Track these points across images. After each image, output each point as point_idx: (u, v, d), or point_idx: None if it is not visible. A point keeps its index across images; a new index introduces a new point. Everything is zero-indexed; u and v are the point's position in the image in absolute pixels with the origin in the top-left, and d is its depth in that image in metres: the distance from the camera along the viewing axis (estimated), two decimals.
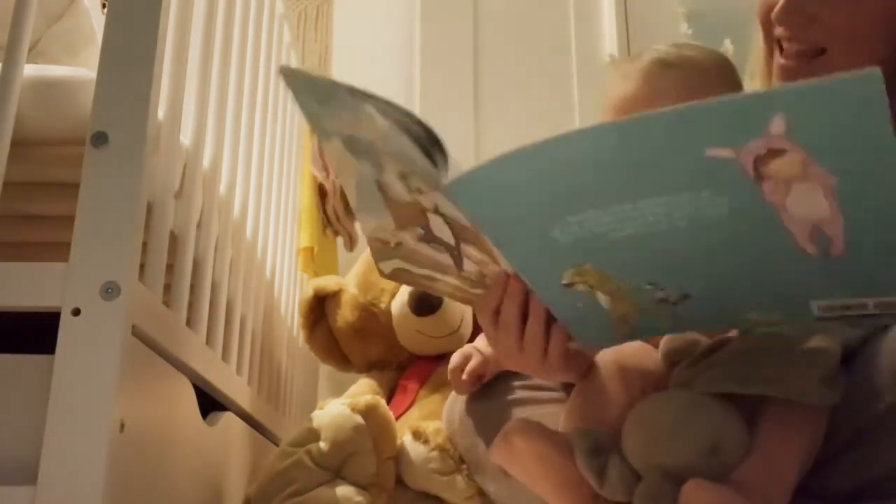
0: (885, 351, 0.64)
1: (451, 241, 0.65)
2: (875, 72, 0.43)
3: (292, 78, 0.59)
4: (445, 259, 0.67)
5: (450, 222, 0.62)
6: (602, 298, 0.61)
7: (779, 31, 0.84)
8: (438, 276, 0.69)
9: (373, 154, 0.62)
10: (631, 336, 0.67)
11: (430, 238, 0.66)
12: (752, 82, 0.93)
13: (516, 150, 0.51)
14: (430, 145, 0.57)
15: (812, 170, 0.48)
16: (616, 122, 0.50)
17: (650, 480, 0.61)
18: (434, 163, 0.57)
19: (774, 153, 0.47)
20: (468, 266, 0.66)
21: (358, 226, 1.76)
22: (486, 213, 0.56)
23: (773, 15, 0.83)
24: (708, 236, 0.54)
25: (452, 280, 0.69)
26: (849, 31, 0.81)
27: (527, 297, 0.65)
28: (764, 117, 0.46)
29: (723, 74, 0.85)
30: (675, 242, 0.55)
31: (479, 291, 0.68)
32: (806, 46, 0.83)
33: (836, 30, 0.81)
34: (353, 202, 0.69)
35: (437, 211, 0.62)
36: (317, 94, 0.60)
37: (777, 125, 0.46)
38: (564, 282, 0.60)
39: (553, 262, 0.59)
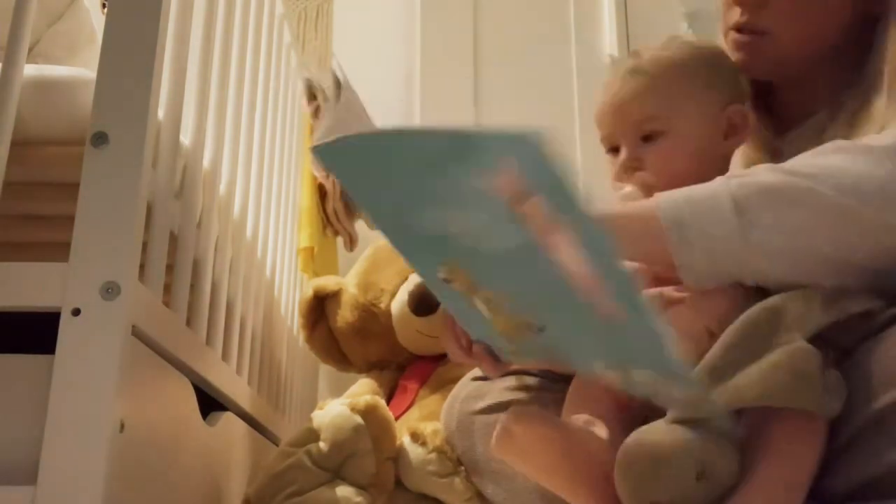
0: (883, 351, 0.64)
1: None
2: (535, 134, 0.42)
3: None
4: None
5: None
6: (480, 307, 0.61)
7: (735, 13, 0.87)
8: None
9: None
10: (517, 356, 0.67)
11: None
12: None
13: (357, 135, 0.52)
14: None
15: (553, 221, 0.47)
16: (383, 133, 0.51)
17: None
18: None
19: (523, 195, 0.46)
20: None
21: (358, 226, 1.76)
22: (352, 185, 0.56)
23: None
24: (522, 265, 0.53)
25: None
26: (796, 15, 0.84)
27: None
28: (495, 156, 0.45)
29: (699, 69, 0.85)
30: (506, 263, 0.54)
31: None
32: (755, 28, 0.87)
33: (785, 14, 0.85)
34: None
35: None
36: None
37: (509, 164, 0.45)
38: (441, 276, 0.59)
39: (426, 248, 0.58)
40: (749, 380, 0.61)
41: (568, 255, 0.49)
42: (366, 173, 0.53)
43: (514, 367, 0.83)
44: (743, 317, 0.66)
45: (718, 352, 0.64)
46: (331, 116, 0.59)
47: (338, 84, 0.56)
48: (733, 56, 0.89)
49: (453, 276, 0.58)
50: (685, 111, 0.83)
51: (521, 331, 0.61)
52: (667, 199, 0.70)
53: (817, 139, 0.87)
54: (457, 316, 0.66)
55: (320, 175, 1.65)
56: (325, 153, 0.54)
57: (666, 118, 0.82)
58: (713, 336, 0.68)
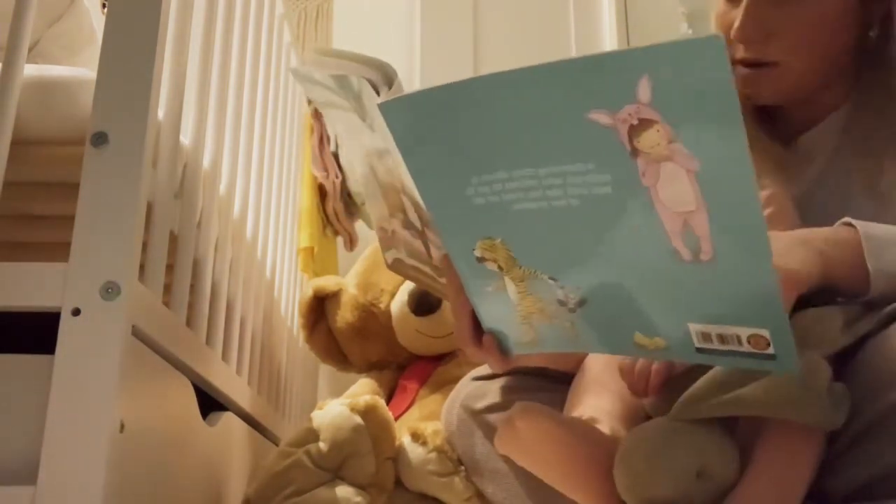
0: (885, 350, 0.64)
1: (419, 226, 0.65)
2: (718, 37, 0.42)
3: (299, 73, 0.59)
4: (419, 246, 0.67)
5: (415, 204, 0.62)
6: (510, 288, 0.61)
7: (738, 49, 0.85)
8: (420, 265, 0.69)
9: (358, 134, 0.62)
10: (534, 346, 0.67)
11: (407, 224, 0.66)
12: None
13: (443, 86, 0.50)
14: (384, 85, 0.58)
15: (676, 148, 0.47)
16: (507, 73, 0.49)
17: None
18: (378, 93, 0.57)
19: (645, 123, 0.46)
20: (435, 252, 0.66)
21: (358, 226, 1.76)
22: (411, 148, 0.55)
23: (733, 34, 0.83)
24: (598, 221, 0.53)
25: (428, 269, 0.69)
26: (804, 43, 0.82)
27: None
28: (631, 79, 0.45)
29: None
30: (572, 226, 0.53)
31: (444, 280, 0.69)
32: (762, 61, 0.84)
33: (793, 44, 0.82)
34: (363, 189, 0.70)
35: (404, 191, 0.62)
36: (316, 88, 0.61)
37: (643, 90, 0.45)
38: (476, 254, 0.59)
39: (467, 227, 0.58)
40: (755, 390, 0.61)
41: (675, 189, 0.48)
42: (428, 133, 0.52)
43: (519, 364, 0.82)
44: None
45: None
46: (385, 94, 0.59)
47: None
48: (741, 89, 0.85)
49: (491, 252, 0.58)
50: None
51: (548, 314, 0.61)
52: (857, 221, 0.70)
53: (829, 143, 0.87)
54: (478, 301, 0.66)
55: (320, 175, 1.66)
56: (395, 108, 0.52)
57: None
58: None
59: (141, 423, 0.74)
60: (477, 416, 0.89)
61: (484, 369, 0.94)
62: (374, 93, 0.57)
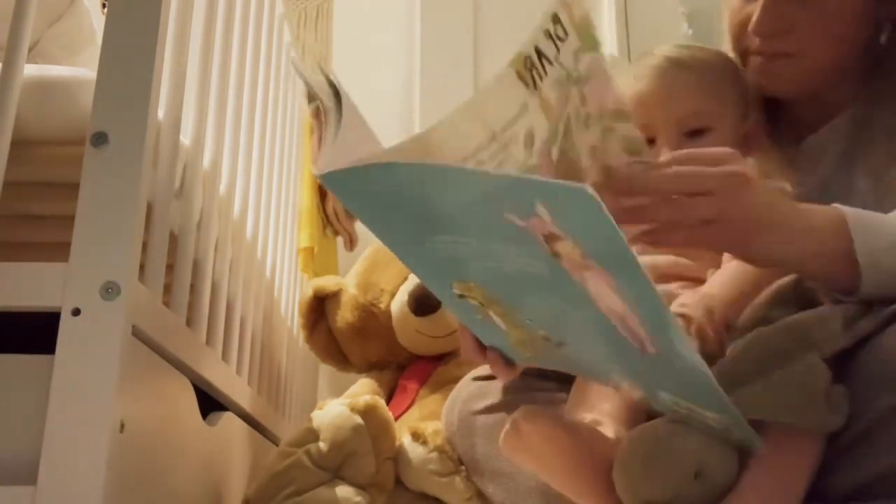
0: (885, 351, 0.64)
1: None
2: (584, 190, 0.41)
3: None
4: None
5: None
6: (496, 319, 0.60)
7: (754, 41, 0.85)
8: None
9: None
10: (535, 361, 0.67)
11: None
12: None
13: (371, 166, 0.49)
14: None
15: (589, 263, 0.47)
16: (427, 166, 0.48)
17: None
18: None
19: (555, 236, 0.46)
20: None
21: (358, 226, 1.76)
22: (361, 212, 0.54)
23: (751, 28, 0.83)
24: (551, 292, 0.52)
25: None
26: (821, 35, 0.82)
27: None
28: (529, 201, 0.44)
29: (732, 75, 0.85)
30: (530, 287, 0.53)
31: None
32: (778, 52, 0.84)
33: (810, 36, 0.82)
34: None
35: None
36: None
37: (542, 212, 0.44)
38: (456, 292, 0.58)
39: (438, 272, 0.57)
40: (754, 393, 0.61)
41: (601, 290, 0.48)
42: (378, 200, 0.52)
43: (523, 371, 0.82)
44: (759, 332, 0.66)
45: (728, 364, 0.64)
46: (333, 136, 0.58)
47: (337, 95, 0.56)
48: (756, 79, 0.86)
49: (468, 292, 0.58)
50: (729, 112, 0.82)
51: (538, 343, 0.61)
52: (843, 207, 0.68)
53: (837, 144, 0.87)
54: (470, 326, 0.66)
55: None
56: (334, 180, 0.52)
57: (715, 115, 0.81)
58: (729, 329, 0.68)
59: (141, 423, 0.74)
60: (477, 415, 0.89)
61: (484, 369, 0.94)
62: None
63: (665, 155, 0.66)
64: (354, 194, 0.53)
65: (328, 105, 0.59)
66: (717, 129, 0.81)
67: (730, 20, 0.88)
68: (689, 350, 0.51)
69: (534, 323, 0.58)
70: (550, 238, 0.46)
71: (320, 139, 1.76)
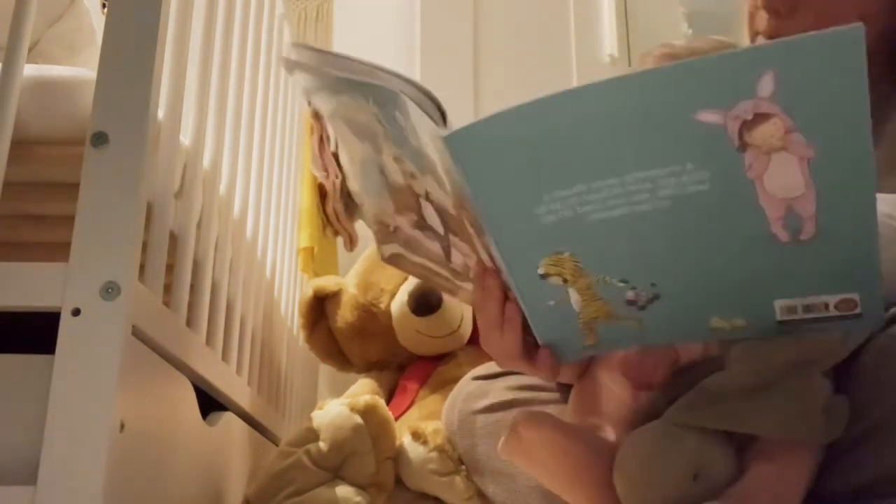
0: (886, 354, 0.64)
1: (441, 231, 0.65)
2: (858, 28, 0.43)
3: (293, 65, 0.59)
4: (436, 248, 0.67)
5: (440, 210, 0.62)
6: (573, 298, 0.61)
7: (761, 21, 0.86)
8: (430, 264, 0.69)
9: (371, 137, 0.62)
10: (595, 349, 0.66)
11: (423, 225, 0.66)
12: None
13: (513, 108, 0.50)
14: (431, 110, 0.57)
15: (793, 138, 0.48)
16: (609, 80, 0.49)
17: None
18: (434, 121, 0.56)
19: (760, 118, 0.48)
20: (456, 258, 0.66)
21: (358, 226, 1.76)
22: (478, 174, 0.54)
23: (760, 1, 0.84)
24: (687, 218, 0.53)
25: (442, 270, 0.69)
26: (828, 21, 0.82)
27: (505, 296, 0.65)
28: (754, 75, 0.46)
29: None
30: (654, 228, 0.54)
31: (464, 284, 0.69)
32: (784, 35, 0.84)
33: (816, 21, 0.82)
34: (357, 182, 0.69)
35: (427, 198, 0.62)
36: (316, 81, 0.60)
37: (766, 85, 0.46)
38: (540, 272, 0.59)
39: (533, 246, 0.58)
40: (751, 407, 0.61)
41: (784, 177, 0.50)
42: (497, 159, 0.52)
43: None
44: (759, 346, 0.66)
45: (729, 377, 0.64)
46: (418, 112, 0.57)
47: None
48: None
49: (557, 267, 0.58)
50: None
51: (615, 315, 0.61)
52: None
53: None
54: (536, 315, 0.64)
55: (320, 175, 1.65)
56: (457, 139, 0.52)
57: None
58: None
59: (141, 423, 0.74)
60: (478, 415, 0.89)
61: (484, 369, 0.94)
62: (417, 110, 0.57)
63: None
64: (477, 156, 0.53)
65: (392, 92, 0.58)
66: None
67: (747, 3, 0.89)
68: (872, 210, 0.52)
69: (627, 283, 0.59)
70: (753, 122, 0.48)
71: (320, 139, 1.75)
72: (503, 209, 0.56)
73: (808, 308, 0.58)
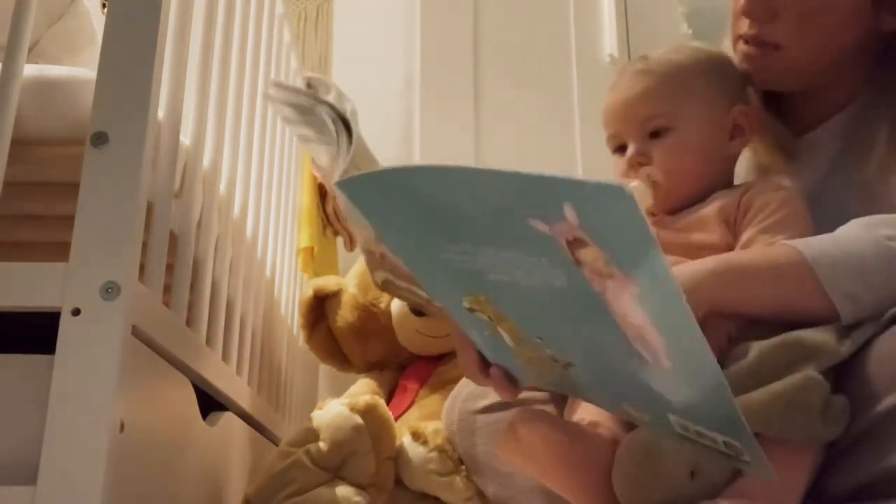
0: (885, 353, 0.64)
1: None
2: (622, 188, 0.41)
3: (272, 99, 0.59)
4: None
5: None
6: (505, 336, 0.60)
7: (742, 25, 0.86)
8: (414, 288, 0.69)
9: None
10: (539, 383, 0.66)
11: None
12: None
13: (388, 168, 0.49)
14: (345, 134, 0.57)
15: (614, 271, 0.46)
16: (451, 169, 0.47)
17: None
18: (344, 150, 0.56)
19: (580, 242, 0.45)
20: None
21: None
22: (379, 218, 0.54)
23: (739, 7, 0.85)
24: (565, 306, 0.51)
25: (422, 292, 0.69)
26: (807, 28, 0.83)
27: None
28: (557, 203, 0.44)
29: (705, 70, 0.86)
30: (544, 302, 0.52)
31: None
32: (765, 40, 0.85)
33: (795, 27, 0.83)
34: (344, 211, 0.69)
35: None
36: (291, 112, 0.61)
37: (570, 215, 0.44)
38: (466, 306, 0.58)
39: (451, 285, 0.57)
40: (748, 407, 0.61)
41: (621, 301, 0.48)
42: (396, 208, 0.52)
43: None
44: (758, 346, 0.66)
45: (727, 377, 0.64)
46: (347, 148, 0.57)
47: (344, 121, 0.56)
48: (742, 67, 0.88)
49: (479, 306, 0.57)
50: (691, 109, 0.83)
51: (546, 363, 0.60)
52: (801, 242, 0.70)
53: (832, 145, 0.87)
54: (477, 341, 0.65)
55: (320, 175, 1.65)
56: (353, 187, 0.52)
57: (672, 115, 0.83)
58: (731, 340, 0.68)
59: (141, 423, 0.74)
60: (478, 415, 0.89)
61: None
62: (335, 116, 0.57)
63: None
64: (372, 202, 0.52)
65: (332, 127, 0.59)
66: (677, 129, 0.83)
67: (731, 8, 0.89)
68: (711, 362, 0.49)
69: (543, 341, 0.58)
70: (575, 244, 0.46)
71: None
72: (413, 252, 0.56)
73: (699, 435, 0.56)
